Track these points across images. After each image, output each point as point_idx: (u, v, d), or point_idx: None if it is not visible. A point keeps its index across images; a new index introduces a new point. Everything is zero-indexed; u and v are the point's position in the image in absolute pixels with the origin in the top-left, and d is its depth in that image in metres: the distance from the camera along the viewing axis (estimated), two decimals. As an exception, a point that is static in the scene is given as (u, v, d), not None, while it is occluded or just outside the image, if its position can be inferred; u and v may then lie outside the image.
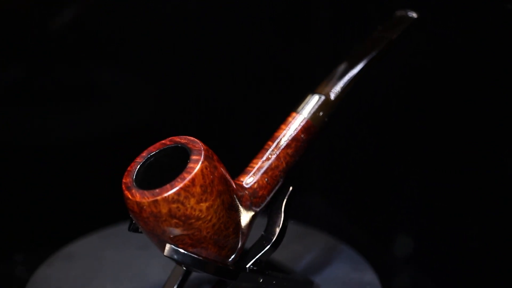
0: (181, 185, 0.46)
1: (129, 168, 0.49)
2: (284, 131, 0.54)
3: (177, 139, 0.49)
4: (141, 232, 0.50)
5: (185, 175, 0.46)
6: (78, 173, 0.78)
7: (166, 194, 0.46)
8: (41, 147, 0.77)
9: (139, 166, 0.48)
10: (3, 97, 0.76)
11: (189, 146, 0.48)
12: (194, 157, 0.47)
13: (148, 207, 0.46)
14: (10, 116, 0.76)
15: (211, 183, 0.47)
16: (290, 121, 0.54)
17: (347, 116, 0.76)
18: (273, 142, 0.53)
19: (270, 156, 0.53)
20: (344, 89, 0.55)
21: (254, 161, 0.53)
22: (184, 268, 0.52)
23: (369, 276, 0.60)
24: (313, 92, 0.55)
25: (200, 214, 0.47)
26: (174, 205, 0.46)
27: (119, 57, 0.78)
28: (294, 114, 0.54)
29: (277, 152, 0.53)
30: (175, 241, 0.47)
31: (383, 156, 0.74)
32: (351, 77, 0.56)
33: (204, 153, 0.47)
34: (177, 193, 0.46)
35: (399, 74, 0.70)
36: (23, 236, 0.77)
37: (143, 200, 0.46)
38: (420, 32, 0.62)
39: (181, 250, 0.47)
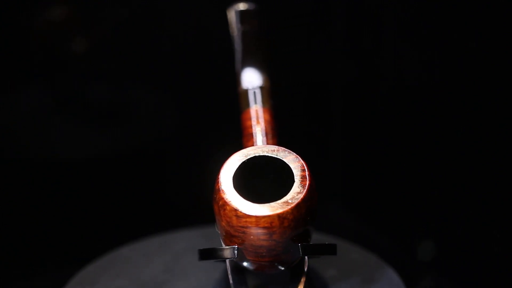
0: (308, 182, 0.49)
1: (225, 197, 0.48)
2: (256, 125, 0.54)
3: (249, 151, 0.50)
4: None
5: (302, 173, 0.49)
6: (109, 187, 0.80)
7: (303, 195, 0.48)
8: (75, 161, 0.79)
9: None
10: (37, 114, 0.78)
11: (273, 151, 0.50)
12: (290, 158, 0.50)
13: (291, 214, 0.47)
14: (42, 131, 0.78)
15: (312, 176, 0.50)
16: (253, 116, 0.55)
17: (362, 121, 0.77)
18: (256, 137, 0.54)
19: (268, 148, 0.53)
20: (267, 77, 0.58)
21: None
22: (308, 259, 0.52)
23: (395, 279, 0.58)
24: (241, 89, 0.57)
25: (316, 206, 0.49)
26: (308, 203, 0.48)
27: (147, 75, 0.81)
28: (249, 110, 0.55)
29: (269, 143, 0.53)
30: (301, 239, 0.49)
31: (403, 160, 0.74)
32: (264, 66, 0.58)
33: (293, 152, 0.50)
34: (309, 191, 0.48)
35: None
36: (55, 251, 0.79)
37: (284, 210, 0.47)
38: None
39: (312, 243, 0.49)
